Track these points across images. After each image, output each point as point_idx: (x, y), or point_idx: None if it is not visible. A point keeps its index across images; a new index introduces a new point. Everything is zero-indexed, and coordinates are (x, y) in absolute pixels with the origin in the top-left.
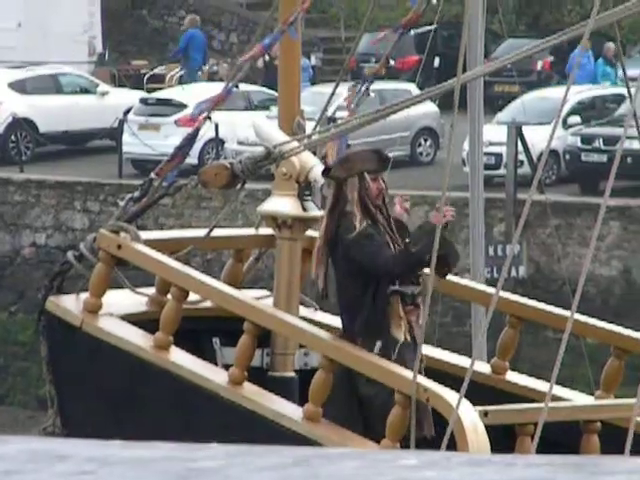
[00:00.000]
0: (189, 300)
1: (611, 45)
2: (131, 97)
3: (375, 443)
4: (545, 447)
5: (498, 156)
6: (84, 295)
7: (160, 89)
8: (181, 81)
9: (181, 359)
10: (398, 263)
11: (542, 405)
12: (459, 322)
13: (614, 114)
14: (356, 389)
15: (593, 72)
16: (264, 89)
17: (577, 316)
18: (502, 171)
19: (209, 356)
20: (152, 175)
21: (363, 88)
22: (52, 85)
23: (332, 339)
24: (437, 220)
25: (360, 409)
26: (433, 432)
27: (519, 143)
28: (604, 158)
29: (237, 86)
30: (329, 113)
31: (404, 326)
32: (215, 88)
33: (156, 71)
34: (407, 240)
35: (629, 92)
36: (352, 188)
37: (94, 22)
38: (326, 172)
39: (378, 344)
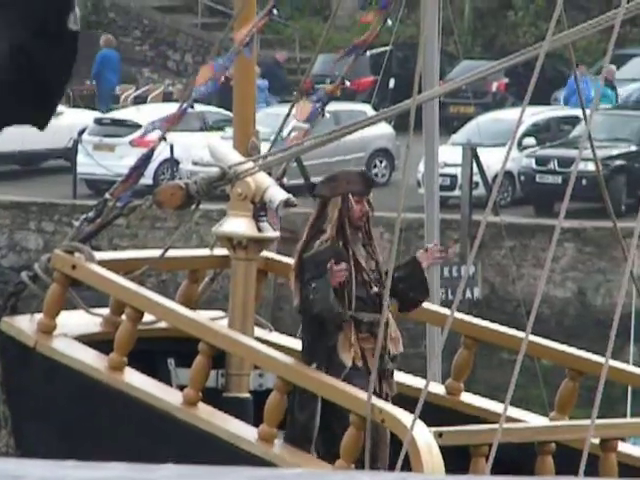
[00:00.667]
0: (144, 321)
1: (611, 67)
2: (85, 117)
3: (330, 464)
4: (499, 468)
5: (453, 177)
6: (38, 316)
7: (115, 109)
8: (135, 101)
9: (135, 380)
10: (317, 303)
11: (496, 426)
12: (414, 343)
13: (569, 136)
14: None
15: (591, 97)
16: (219, 110)
17: (532, 337)
18: (457, 192)
19: (164, 377)
20: (107, 195)
21: (318, 109)
22: None
23: (287, 360)
24: (426, 259)
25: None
26: (386, 465)
27: (474, 164)
28: (559, 180)
29: (192, 106)
30: (284, 134)
31: (354, 353)
32: (170, 109)
33: None
34: (313, 285)
35: (584, 114)
36: (334, 207)
37: None
38: (311, 189)
39: (313, 366)
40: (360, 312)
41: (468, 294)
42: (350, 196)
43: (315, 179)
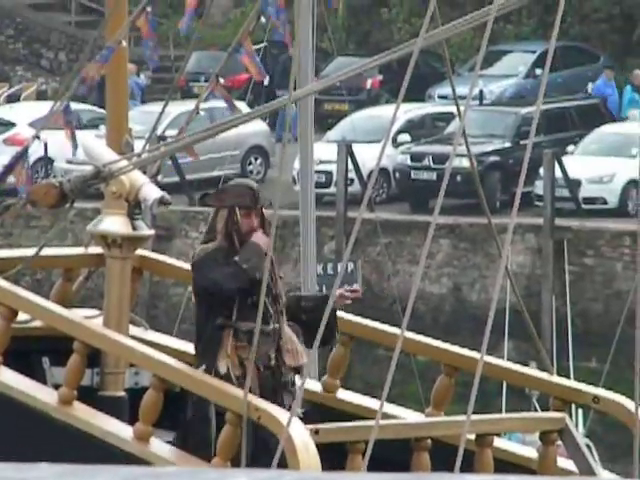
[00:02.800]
0: (18, 320)
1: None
2: None
3: (207, 462)
4: (376, 465)
5: (328, 174)
6: None
7: None
8: (9, 100)
9: (10, 379)
10: (229, 279)
11: (373, 423)
12: None
13: (443, 132)
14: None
15: (618, 102)
16: (94, 108)
17: (407, 334)
18: (332, 189)
19: (39, 376)
20: None
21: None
22: None
23: (162, 358)
24: (340, 300)
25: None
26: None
27: (349, 161)
28: (433, 176)
29: (68, 105)
30: (159, 132)
31: (229, 361)
32: (44, 107)
33: None
34: (236, 259)
35: (458, 110)
36: (220, 219)
37: None
38: (201, 199)
39: (202, 367)
40: (240, 321)
41: None
42: (236, 209)
43: (190, 177)
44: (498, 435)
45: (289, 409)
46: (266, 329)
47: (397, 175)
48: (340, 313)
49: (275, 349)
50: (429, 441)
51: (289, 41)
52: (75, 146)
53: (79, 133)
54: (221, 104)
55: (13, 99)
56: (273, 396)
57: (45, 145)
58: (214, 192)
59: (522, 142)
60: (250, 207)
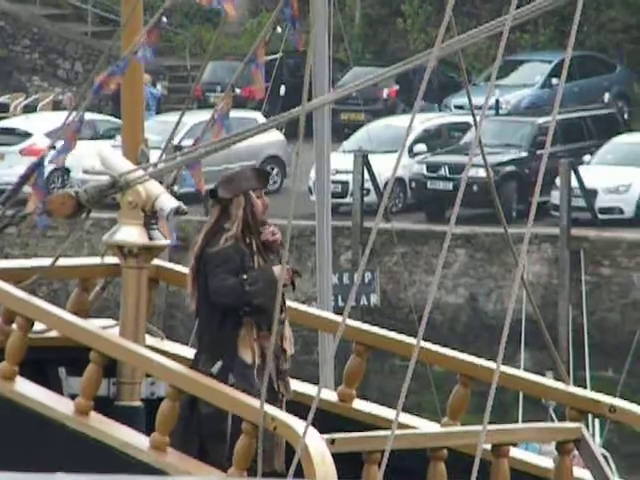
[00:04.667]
0: (35, 330)
1: None
2: None
3: (222, 472)
4: (392, 475)
5: (345, 184)
6: None
7: (4, 118)
8: (25, 110)
9: (27, 389)
10: (228, 294)
11: (389, 433)
12: (306, 350)
13: (459, 142)
14: (198, 409)
15: None
16: (110, 118)
17: (423, 344)
18: (349, 199)
19: (55, 386)
20: None
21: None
22: None
23: (179, 368)
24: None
25: (198, 428)
26: (284, 467)
27: (365, 171)
28: (450, 186)
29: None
30: (175, 141)
31: (254, 350)
32: (60, 117)
33: (0, 100)
34: (244, 277)
35: (474, 120)
36: (238, 207)
37: None
38: (213, 194)
39: (218, 364)
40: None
41: (364, 301)
42: (251, 193)
43: (206, 187)
44: (514, 445)
45: (282, 397)
46: (282, 317)
47: (413, 185)
48: (356, 323)
49: (280, 337)
50: (445, 451)
51: (301, 46)
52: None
53: (94, 143)
54: (237, 114)
55: (30, 109)
56: (272, 384)
57: None
58: (221, 184)
59: (538, 152)
60: (262, 187)
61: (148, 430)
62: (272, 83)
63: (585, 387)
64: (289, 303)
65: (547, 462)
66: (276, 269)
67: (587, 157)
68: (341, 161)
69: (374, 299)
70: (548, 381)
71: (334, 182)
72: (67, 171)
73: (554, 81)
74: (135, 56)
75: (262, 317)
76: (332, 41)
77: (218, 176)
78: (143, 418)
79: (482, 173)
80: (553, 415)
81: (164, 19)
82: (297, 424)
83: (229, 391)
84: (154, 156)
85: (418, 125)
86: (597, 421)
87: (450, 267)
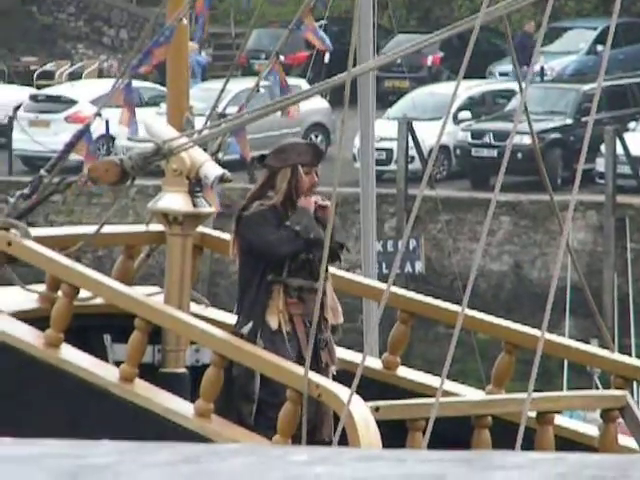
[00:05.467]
0: (80, 297)
1: None
2: (21, 94)
3: (267, 439)
4: (436, 442)
5: (389, 151)
6: None
7: (50, 86)
8: (71, 77)
9: (72, 356)
10: (284, 243)
11: (433, 400)
12: (351, 318)
13: (504, 109)
14: (231, 371)
15: None
16: (155, 85)
17: (468, 311)
18: (393, 167)
19: (100, 353)
20: (42, 172)
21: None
22: None
23: (223, 335)
24: (307, 203)
25: (229, 389)
26: (332, 435)
27: (410, 138)
28: (494, 153)
29: (130, 83)
30: (219, 109)
31: (281, 316)
32: (106, 84)
33: (46, 68)
34: (287, 224)
35: (520, 86)
36: (283, 178)
37: None
38: (261, 160)
39: (249, 325)
40: (289, 277)
41: (409, 268)
42: (299, 167)
43: (253, 154)
44: (559, 413)
45: (326, 366)
46: (314, 286)
47: (458, 152)
48: (401, 290)
49: (320, 306)
50: (490, 419)
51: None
52: (133, 128)
53: (139, 111)
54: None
55: (75, 77)
56: (314, 353)
57: (107, 123)
58: (273, 152)
59: (583, 119)
60: (313, 164)
61: (193, 397)
62: (316, 51)
63: (630, 355)
64: (333, 270)
65: (592, 430)
66: (306, 202)
67: (632, 124)
68: (385, 128)
69: (419, 266)
70: (593, 349)
71: (378, 149)
72: (112, 138)
73: (599, 48)
74: (180, 23)
75: (320, 252)
76: (376, 8)
77: (262, 143)
78: (188, 385)
79: (527, 140)
80: (598, 383)
81: None
82: (341, 391)
83: (273, 358)
84: (199, 123)
85: (462, 92)
86: None
87: (494, 235)
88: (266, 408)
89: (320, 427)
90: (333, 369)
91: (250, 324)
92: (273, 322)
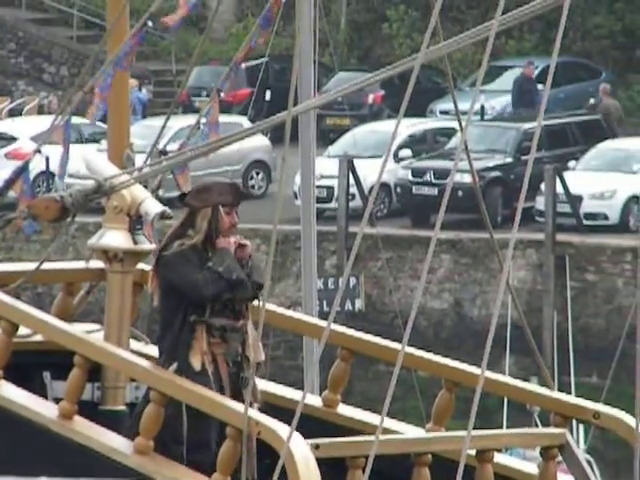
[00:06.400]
0: (19, 334)
1: None
2: None
3: (206, 477)
4: None
5: (330, 189)
6: None
7: None
8: (11, 114)
9: (11, 393)
10: (208, 284)
11: (373, 438)
12: (291, 355)
13: (445, 147)
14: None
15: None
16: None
17: (408, 349)
18: (334, 204)
19: (40, 390)
20: None
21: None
22: None
23: (163, 373)
24: (226, 243)
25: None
26: (255, 475)
27: (351, 176)
28: (435, 191)
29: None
30: (160, 146)
31: (204, 357)
32: (46, 121)
33: None
34: (209, 264)
35: (460, 125)
36: (204, 218)
37: None
38: (181, 199)
39: (174, 366)
40: (213, 317)
41: (349, 306)
42: (220, 208)
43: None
44: (499, 450)
45: (250, 404)
46: (236, 325)
47: (398, 190)
48: (341, 328)
49: (241, 344)
50: (430, 456)
51: (263, 44)
52: (63, 165)
53: (79, 147)
54: (223, 119)
55: (15, 113)
56: (237, 392)
57: (47, 159)
58: (194, 191)
59: (523, 157)
60: (234, 204)
61: (133, 435)
62: (257, 88)
63: (570, 393)
64: (273, 307)
65: (531, 468)
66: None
67: (572, 163)
68: (326, 166)
69: (358, 304)
70: (532, 386)
71: (319, 187)
72: (52, 175)
73: (539, 87)
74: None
75: (243, 292)
76: (317, 46)
77: (201, 181)
78: (127, 422)
79: (467, 178)
80: (537, 421)
81: (149, 23)
82: (282, 429)
83: (213, 395)
84: (139, 160)
85: (403, 130)
86: (581, 427)
87: (435, 272)
88: (195, 448)
89: (253, 464)
90: (256, 406)
91: (174, 365)
92: (196, 363)
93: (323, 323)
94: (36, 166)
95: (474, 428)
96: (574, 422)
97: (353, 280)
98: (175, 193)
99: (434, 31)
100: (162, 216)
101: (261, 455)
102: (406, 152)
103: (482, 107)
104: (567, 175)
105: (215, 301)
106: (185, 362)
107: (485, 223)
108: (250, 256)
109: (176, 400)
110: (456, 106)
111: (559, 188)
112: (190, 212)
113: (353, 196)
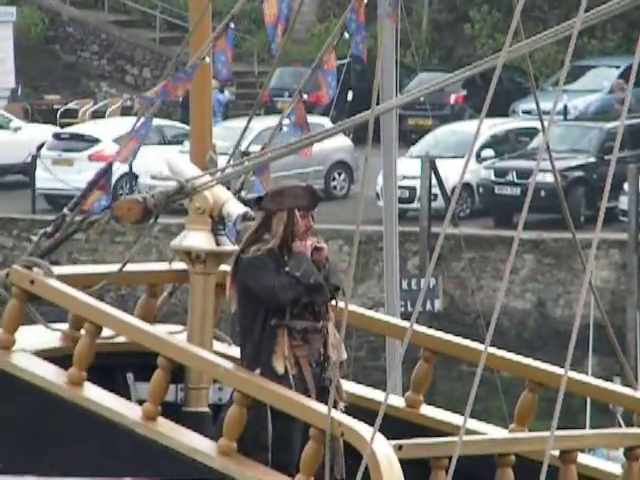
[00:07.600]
0: (103, 335)
1: None
2: (44, 132)
3: (289, 478)
4: None
5: (412, 190)
6: None
7: (73, 124)
8: (94, 116)
9: (95, 395)
10: (286, 289)
11: (456, 438)
12: (374, 356)
13: (527, 147)
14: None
15: None
16: (177, 123)
17: (491, 349)
18: (416, 204)
19: (123, 392)
20: (65, 210)
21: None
22: None
23: (246, 374)
24: (303, 247)
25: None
26: (344, 474)
27: (433, 176)
28: (517, 191)
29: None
30: (242, 147)
31: (287, 360)
32: (128, 122)
33: (69, 106)
34: (286, 270)
35: (542, 125)
36: (279, 222)
37: (6, 58)
38: (257, 202)
39: (257, 371)
40: (293, 320)
41: (429, 306)
42: (296, 211)
43: None
44: (582, 451)
45: (334, 404)
46: (317, 326)
47: (481, 190)
48: (424, 329)
49: (323, 345)
50: (513, 457)
51: (365, 57)
52: (130, 159)
53: (162, 149)
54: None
55: (98, 115)
56: (321, 392)
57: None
58: (270, 195)
59: (606, 157)
60: (309, 208)
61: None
62: (339, 88)
63: None
64: (355, 308)
65: (615, 468)
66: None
67: None
68: (408, 166)
69: (438, 304)
70: (616, 387)
71: (401, 187)
72: (135, 177)
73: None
74: (203, 61)
75: (321, 296)
76: (399, 46)
77: (276, 184)
78: (210, 424)
79: (550, 178)
80: (621, 421)
81: (232, 25)
82: (364, 430)
83: (296, 397)
84: (222, 162)
85: (485, 130)
86: None
87: (518, 272)
88: (279, 451)
89: (336, 465)
90: (342, 405)
91: (258, 370)
92: (279, 367)
93: (406, 324)
94: (119, 168)
95: (557, 429)
96: None
97: (432, 281)
98: (258, 194)
99: (516, 30)
100: (244, 217)
101: (344, 456)
102: (488, 152)
103: (565, 107)
104: None
105: (293, 305)
106: (268, 367)
107: (568, 223)
108: (327, 258)
109: (260, 405)
110: (538, 106)
111: None
112: (266, 216)
113: (435, 196)
